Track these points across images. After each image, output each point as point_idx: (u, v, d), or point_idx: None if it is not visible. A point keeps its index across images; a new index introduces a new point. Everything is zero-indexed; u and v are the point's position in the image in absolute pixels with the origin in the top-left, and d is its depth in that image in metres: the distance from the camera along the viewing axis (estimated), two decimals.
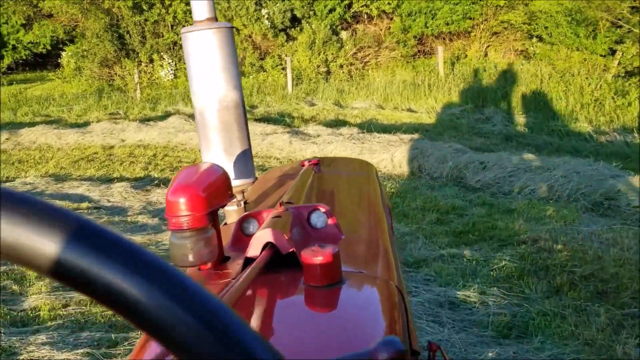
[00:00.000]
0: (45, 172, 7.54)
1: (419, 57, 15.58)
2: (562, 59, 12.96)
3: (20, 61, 23.62)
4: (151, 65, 16.33)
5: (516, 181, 5.77)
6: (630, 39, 11.89)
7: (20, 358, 2.88)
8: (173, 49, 16.25)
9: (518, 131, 9.19)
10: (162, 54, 16.36)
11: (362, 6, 15.65)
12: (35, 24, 20.35)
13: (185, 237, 0.97)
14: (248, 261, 1.00)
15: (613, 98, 9.89)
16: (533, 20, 14.14)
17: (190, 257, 0.97)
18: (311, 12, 15.44)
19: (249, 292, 0.94)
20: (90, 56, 16.82)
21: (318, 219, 1.19)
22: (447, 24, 14.85)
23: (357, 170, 2.12)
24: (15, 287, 3.77)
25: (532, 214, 4.92)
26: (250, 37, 15.98)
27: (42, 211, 0.33)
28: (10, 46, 22.09)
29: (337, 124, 9.69)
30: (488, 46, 15.26)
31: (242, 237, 1.19)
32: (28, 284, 3.80)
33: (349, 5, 15.69)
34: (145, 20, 16.50)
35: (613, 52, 12.46)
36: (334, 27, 15.46)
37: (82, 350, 2.92)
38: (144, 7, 16.46)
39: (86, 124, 10.89)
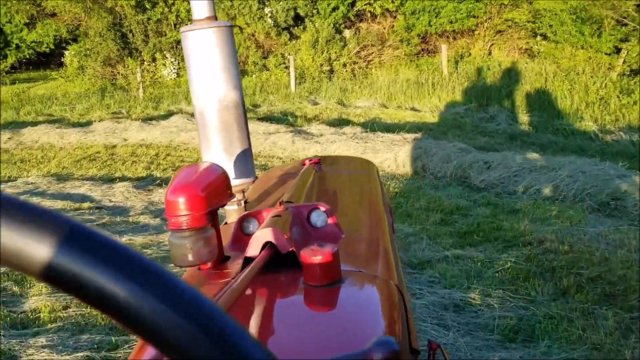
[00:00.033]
0: (47, 171, 7.52)
1: (422, 56, 15.52)
2: (566, 58, 12.89)
3: (24, 60, 23.64)
4: (154, 64, 16.31)
5: (521, 181, 5.71)
6: (635, 37, 11.81)
7: None
8: (176, 47, 16.22)
9: (522, 130, 9.13)
10: (164, 52, 16.34)
11: (365, 4, 15.59)
12: (38, 23, 20.37)
13: (184, 237, 0.97)
14: (247, 261, 1.00)
15: (618, 97, 9.82)
16: (537, 19, 14.07)
17: (190, 257, 0.97)
18: (314, 11, 15.38)
19: (248, 291, 0.94)
20: (93, 55, 16.81)
21: (318, 218, 1.18)
22: (451, 22, 14.79)
23: (358, 169, 2.12)
24: (15, 289, 3.74)
25: (538, 214, 4.86)
26: (253, 35, 15.94)
27: (33, 215, 0.33)
28: (14, 45, 22.12)
29: (340, 123, 9.64)
30: (492, 44, 15.19)
31: (242, 236, 1.19)
32: (28, 286, 3.77)
33: (352, 4, 15.64)
34: (148, 19, 16.48)
35: (618, 50, 12.38)
36: (337, 25, 15.40)
37: (82, 354, 2.88)
38: (147, 6, 16.44)
39: (88, 123, 10.87)
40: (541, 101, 10.34)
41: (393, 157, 6.91)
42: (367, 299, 0.95)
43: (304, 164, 1.96)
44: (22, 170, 7.73)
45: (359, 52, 14.95)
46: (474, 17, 14.74)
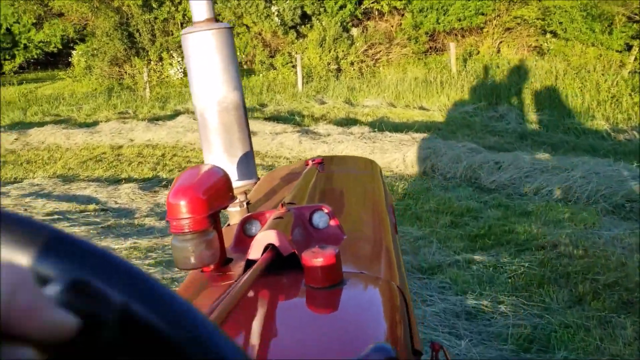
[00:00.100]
0: (53, 172, 7.48)
1: (430, 54, 15.39)
2: (577, 55, 12.73)
3: (32, 60, 23.73)
4: (160, 63, 16.28)
5: (532, 182, 5.59)
6: None
7: None
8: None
9: (533, 129, 8.99)
10: (171, 52, 16.30)
11: (372, 2, 15.48)
12: (45, 23, 20.39)
13: (186, 240, 0.98)
14: (250, 263, 1.00)
15: (630, 95, 9.66)
16: (547, 16, 13.90)
17: (192, 260, 0.99)
18: (321, 9, 15.29)
19: (250, 294, 0.95)
20: (100, 55, 16.81)
21: (320, 219, 1.19)
22: (459, 20, 14.65)
23: (361, 169, 2.12)
24: None
25: (550, 216, 4.75)
26: (260, 34, 15.87)
27: (14, 223, 0.33)
28: (22, 45, 22.19)
29: (347, 122, 9.54)
30: (501, 42, 15.03)
31: (244, 238, 1.20)
32: None
33: (360, 2, 15.53)
34: (155, 18, 16.45)
35: (629, 47, 12.20)
36: (344, 24, 15.30)
37: None
38: (154, 5, 16.41)
39: (95, 123, 10.83)
40: (551, 99, 10.19)
41: (401, 157, 6.81)
42: (369, 300, 0.95)
43: (307, 164, 1.97)
44: (28, 171, 7.69)
45: (366, 50, 14.84)
46: (483, 14, 14.59)
